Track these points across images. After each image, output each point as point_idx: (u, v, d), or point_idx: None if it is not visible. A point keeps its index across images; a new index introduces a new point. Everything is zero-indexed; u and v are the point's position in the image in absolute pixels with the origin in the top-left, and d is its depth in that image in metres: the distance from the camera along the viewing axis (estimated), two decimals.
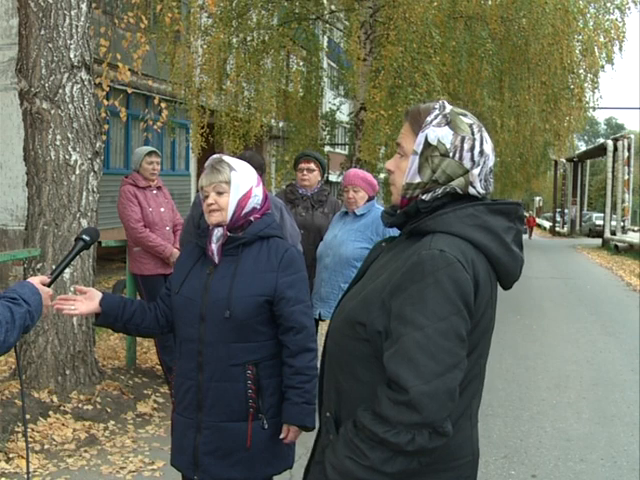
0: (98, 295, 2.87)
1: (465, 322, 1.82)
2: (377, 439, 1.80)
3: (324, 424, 2.10)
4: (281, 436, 2.92)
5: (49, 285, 2.47)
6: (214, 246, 2.93)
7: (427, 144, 1.93)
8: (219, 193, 2.90)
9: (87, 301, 2.84)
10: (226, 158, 2.98)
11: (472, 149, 1.93)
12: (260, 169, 5.61)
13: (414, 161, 1.95)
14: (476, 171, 1.94)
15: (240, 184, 2.92)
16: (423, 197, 1.95)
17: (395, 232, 2.14)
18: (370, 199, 5.70)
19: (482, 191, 1.96)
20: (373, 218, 5.49)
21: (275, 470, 3.01)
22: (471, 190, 1.95)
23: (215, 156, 3.03)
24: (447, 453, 1.92)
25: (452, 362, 1.78)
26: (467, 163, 1.93)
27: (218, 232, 2.93)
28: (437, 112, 1.96)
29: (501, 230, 1.93)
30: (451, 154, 1.92)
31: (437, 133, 1.92)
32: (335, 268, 5.55)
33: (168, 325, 3.07)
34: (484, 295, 1.91)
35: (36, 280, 2.43)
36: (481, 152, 1.94)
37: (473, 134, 1.94)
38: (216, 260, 2.93)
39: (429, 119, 1.95)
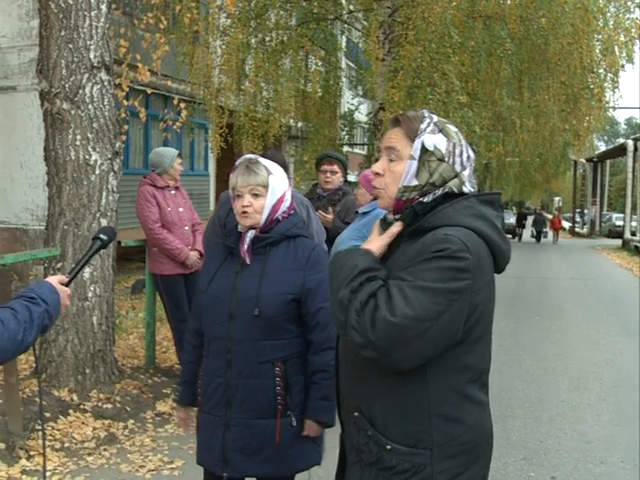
0: (189, 411, 3.26)
1: (451, 292, 1.93)
2: (358, 301, 1.95)
3: (353, 425, 2.16)
4: (304, 432, 2.93)
5: (67, 284, 2.47)
6: (246, 247, 2.94)
7: (424, 149, 2.09)
8: (255, 195, 2.90)
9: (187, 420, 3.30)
10: (262, 160, 2.97)
11: (461, 154, 2.12)
12: (284, 167, 5.63)
13: (412, 165, 2.10)
14: (465, 173, 2.13)
15: (276, 188, 2.94)
16: (424, 199, 2.10)
17: None
18: (375, 198, 5.69)
19: (472, 189, 2.15)
20: (371, 217, 5.48)
21: (303, 466, 3.04)
22: (464, 189, 2.12)
23: (250, 156, 3.01)
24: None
25: (419, 313, 1.90)
26: (458, 167, 2.12)
27: (252, 234, 2.94)
28: (428, 120, 2.13)
29: (493, 217, 2.11)
30: (446, 159, 2.10)
31: (433, 140, 2.10)
32: None
33: None
34: (487, 275, 2.04)
35: (54, 279, 2.43)
36: (468, 157, 2.14)
37: (460, 141, 2.14)
38: (248, 261, 2.93)
39: (423, 126, 2.11)
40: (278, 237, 2.95)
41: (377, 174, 2.17)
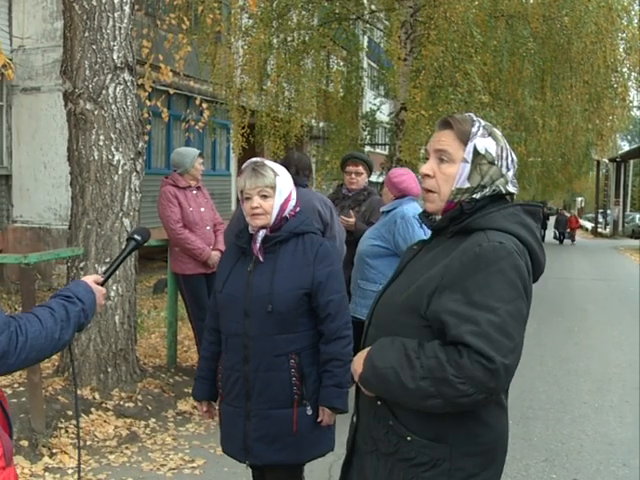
0: (207, 405, 3.35)
1: (526, 305, 2.02)
2: (440, 375, 1.92)
3: (374, 415, 2.18)
4: (318, 419, 3.08)
5: (102, 284, 2.52)
6: (259, 245, 3.07)
7: (476, 153, 2.11)
8: (264, 197, 3.04)
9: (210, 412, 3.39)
10: (268, 162, 3.12)
11: (507, 157, 2.16)
12: (309, 169, 5.66)
13: (465, 168, 2.12)
14: (510, 173, 2.17)
15: (283, 188, 3.08)
16: (475, 196, 2.13)
17: (416, 234, 2.27)
18: (398, 197, 5.68)
19: (515, 189, 2.18)
20: (390, 216, 5.51)
21: (320, 452, 3.21)
22: (509, 188, 2.16)
23: (256, 160, 3.15)
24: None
25: (519, 341, 1.97)
26: (504, 169, 2.15)
27: (263, 233, 3.07)
28: (478, 124, 2.15)
29: (534, 227, 2.14)
30: (496, 162, 2.13)
31: (484, 143, 2.12)
32: (357, 264, 5.62)
33: None
34: (530, 284, 2.08)
35: (90, 279, 2.48)
36: (512, 159, 2.18)
37: (505, 144, 2.17)
38: (261, 258, 3.07)
39: (474, 130, 2.13)
40: (287, 235, 3.09)
41: (427, 175, 2.17)
